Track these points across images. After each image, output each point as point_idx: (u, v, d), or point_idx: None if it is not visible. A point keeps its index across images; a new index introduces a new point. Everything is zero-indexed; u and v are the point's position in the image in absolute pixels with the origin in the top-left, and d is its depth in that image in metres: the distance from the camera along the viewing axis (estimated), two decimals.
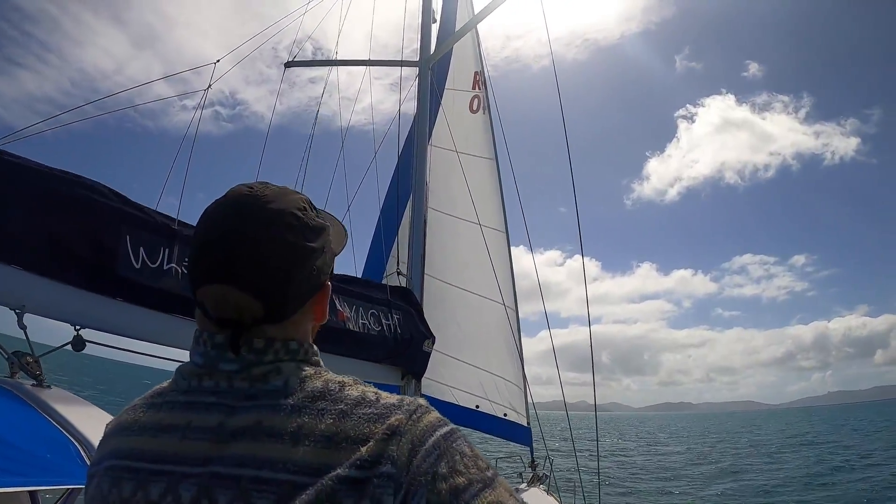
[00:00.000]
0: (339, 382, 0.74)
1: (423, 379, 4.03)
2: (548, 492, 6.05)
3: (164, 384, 0.81)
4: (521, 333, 7.49)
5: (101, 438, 0.80)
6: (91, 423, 1.65)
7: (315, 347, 0.82)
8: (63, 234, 2.15)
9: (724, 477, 20.81)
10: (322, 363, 0.81)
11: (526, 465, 6.80)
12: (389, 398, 0.71)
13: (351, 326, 3.31)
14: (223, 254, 0.74)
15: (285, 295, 0.76)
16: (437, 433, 0.68)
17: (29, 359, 1.97)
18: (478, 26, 6.12)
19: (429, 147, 5.98)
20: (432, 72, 5.23)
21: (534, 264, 5.75)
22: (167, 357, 2.45)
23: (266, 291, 0.74)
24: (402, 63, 5.51)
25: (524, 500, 0.70)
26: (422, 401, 0.73)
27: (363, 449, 0.64)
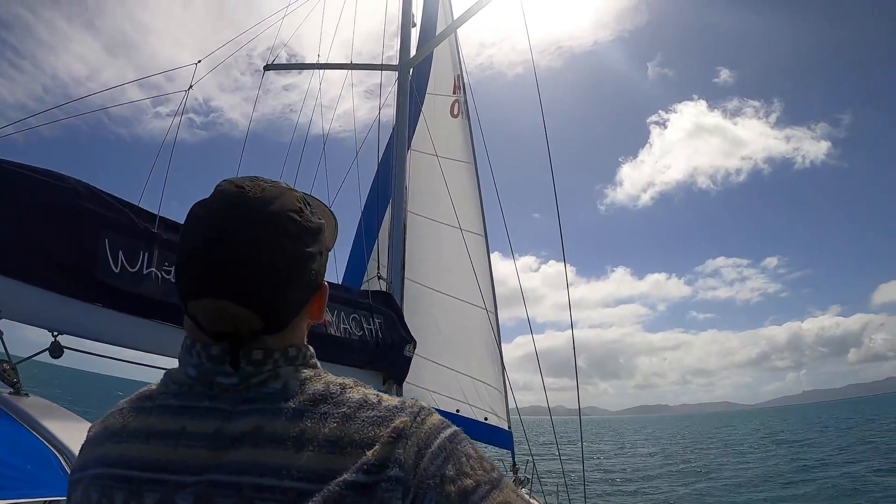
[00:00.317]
0: (339, 385, 0.72)
1: (403, 383, 4.02)
2: (531, 495, 6.07)
3: (152, 386, 0.78)
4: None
5: (83, 443, 0.77)
6: (72, 432, 1.61)
7: (311, 349, 0.80)
8: (40, 236, 2.09)
9: (699, 476, 21.15)
10: (319, 364, 0.79)
11: (507, 469, 6.80)
12: (391, 400, 0.70)
13: (333, 331, 3.28)
14: (218, 266, 0.69)
15: (286, 305, 0.73)
16: (442, 435, 0.67)
17: (6, 366, 1.91)
18: (456, 31, 6.15)
19: (409, 151, 5.99)
20: (413, 76, 5.24)
21: (515, 269, 5.79)
22: (148, 364, 2.40)
23: (266, 304, 0.71)
24: (382, 67, 5.50)
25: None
26: (423, 403, 0.72)
27: (369, 453, 0.62)
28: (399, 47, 5.16)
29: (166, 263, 2.42)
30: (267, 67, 5.69)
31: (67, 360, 2.18)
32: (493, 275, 7.89)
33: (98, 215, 2.25)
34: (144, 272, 2.36)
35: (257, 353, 0.72)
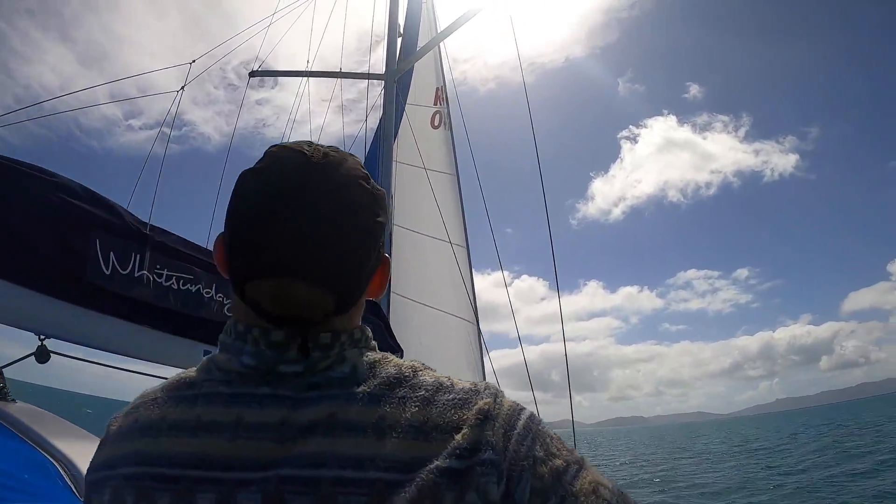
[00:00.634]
0: (411, 367, 0.67)
1: None
2: None
3: (190, 372, 0.70)
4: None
5: (103, 439, 0.69)
6: (66, 439, 1.49)
7: (369, 329, 0.73)
8: (27, 232, 1.98)
9: (666, 484, 21.38)
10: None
11: None
12: (462, 383, 0.65)
13: None
14: (288, 243, 0.62)
15: (358, 283, 0.68)
16: (523, 416, 0.64)
17: None
18: (442, 42, 6.20)
19: (393, 163, 5.97)
20: (397, 85, 5.24)
21: (504, 282, 5.78)
22: (137, 371, 2.29)
23: (340, 284, 0.65)
24: (368, 76, 5.50)
25: None
26: (492, 383, 0.68)
27: (458, 436, 0.58)
28: (386, 56, 5.16)
29: (158, 266, 2.32)
30: (252, 74, 5.62)
31: (22, 373, 2.02)
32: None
33: (89, 213, 2.14)
34: (136, 275, 2.26)
35: (325, 336, 0.65)
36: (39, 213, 2.01)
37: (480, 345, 7.29)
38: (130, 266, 2.24)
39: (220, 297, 2.53)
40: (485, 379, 7.20)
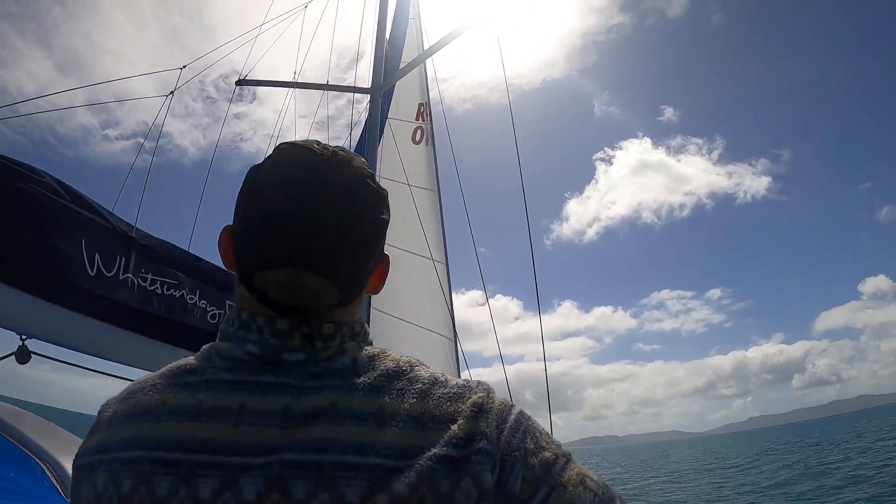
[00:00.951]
0: (408, 362, 0.69)
1: None
2: None
3: (190, 360, 0.70)
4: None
5: (94, 423, 0.68)
6: (50, 440, 1.45)
7: (367, 325, 0.76)
8: (11, 230, 1.94)
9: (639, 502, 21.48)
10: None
11: None
12: (455, 380, 0.68)
13: None
14: (301, 234, 0.65)
15: (363, 277, 0.72)
16: (514, 411, 0.67)
17: None
18: (429, 57, 6.29)
19: (377, 177, 5.96)
20: (382, 99, 5.28)
21: (486, 298, 5.78)
22: (116, 375, 2.23)
23: (346, 275, 0.68)
24: (354, 89, 5.53)
25: None
26: (484, 381, 0.71)
27: (454, 427, 0.61)
28: (372, 69, 5.20)
29: (143, 270, 2.29)
30: (239, 83, 5.61)
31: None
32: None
33: (76, 214, 2.11)
34: (121, 277, 2.22)
35: (328, 326, 0.67)
36: (26, 210, 1.97)
37: (458, 361, 7.29)
38: (115, 268, 2.20)
39: (203, 303, 2.50)
40: None
